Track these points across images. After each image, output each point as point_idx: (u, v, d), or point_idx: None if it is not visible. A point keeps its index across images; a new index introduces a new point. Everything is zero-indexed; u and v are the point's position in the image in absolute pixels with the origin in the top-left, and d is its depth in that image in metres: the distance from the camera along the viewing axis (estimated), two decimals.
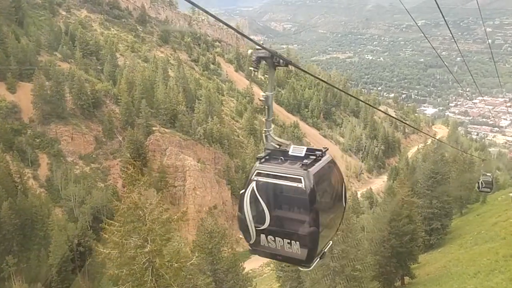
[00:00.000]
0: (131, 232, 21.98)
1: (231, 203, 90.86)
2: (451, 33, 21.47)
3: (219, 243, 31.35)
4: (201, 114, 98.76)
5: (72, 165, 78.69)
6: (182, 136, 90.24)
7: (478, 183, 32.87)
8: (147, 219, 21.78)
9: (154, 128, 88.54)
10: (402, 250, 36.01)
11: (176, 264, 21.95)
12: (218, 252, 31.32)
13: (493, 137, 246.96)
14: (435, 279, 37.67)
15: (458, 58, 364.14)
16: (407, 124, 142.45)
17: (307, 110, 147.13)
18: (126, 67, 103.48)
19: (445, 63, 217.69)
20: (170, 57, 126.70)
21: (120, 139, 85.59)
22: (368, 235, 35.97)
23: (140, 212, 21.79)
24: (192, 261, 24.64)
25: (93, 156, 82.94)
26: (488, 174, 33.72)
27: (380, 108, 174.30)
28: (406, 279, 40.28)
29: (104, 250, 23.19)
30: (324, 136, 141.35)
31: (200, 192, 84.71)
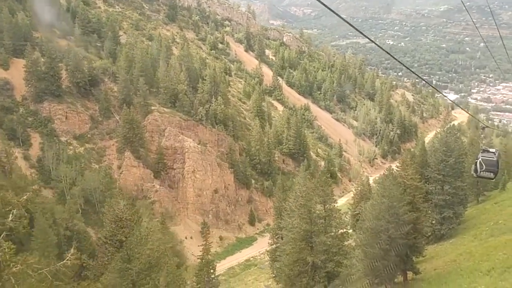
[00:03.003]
0: None
1: (233, 187, 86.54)
2: (471, 18, 16.72)
3: (130, 233, 23.74)
4: (205, 94, 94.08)
5: (66, 145, 75.07)
6: (183, 116, 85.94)
7: (475, 164, 20.79)
8: None
9: (153, 108, 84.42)
10: (403, 242, 30.97)
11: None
12: (135, 246, 23.32)
13: None
14: (443, 276, 32.86)
15: (481, 44, 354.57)
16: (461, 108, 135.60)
17: (319, 92, 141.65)
18: (128, 44, 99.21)
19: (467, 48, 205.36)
20: (176, 35, 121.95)
21: (117, 118, 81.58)
22: (363, 224, 30.93)
23: None
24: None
25: (88, 136, 79.29)
26: (491, 149, 21.37)
27: (398, 91, 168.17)
28: (410, 274, 35.32)
29: None
30: (337, 120, 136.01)
31: (200, 175, 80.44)
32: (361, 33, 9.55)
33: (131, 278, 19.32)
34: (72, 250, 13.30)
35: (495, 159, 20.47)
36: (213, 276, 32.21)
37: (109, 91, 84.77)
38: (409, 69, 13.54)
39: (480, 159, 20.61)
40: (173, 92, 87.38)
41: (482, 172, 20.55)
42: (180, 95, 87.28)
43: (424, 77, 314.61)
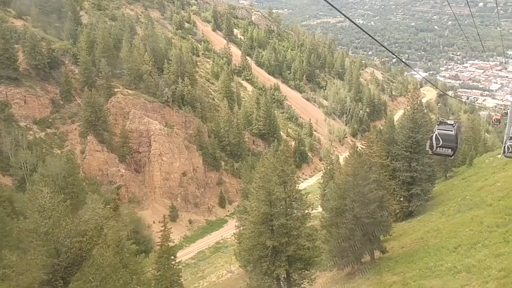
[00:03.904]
0: None
1: (202, 169, 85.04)
2: None
3: (58, 225, 20.64)
4: (171, 75, 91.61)
5: (25, 130, 71.88)
6: (148, 98, 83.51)
7: (431, 139, 17.65)
8: None
9: (116, 90, 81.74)
10: (369, 221, 30.12)
11: None
12: (64, 238, 20.83)
13: (483, 101, 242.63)
14: (410, 254, 32.25)
15: (449, 22, 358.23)
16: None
17: (289, 72, 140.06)
18: (89, 25, 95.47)
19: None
20: (140, 15, 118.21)
21: (79, 102, 78.65)
22: (328, 204, 29.93)
23: None
24: None
25: (49, 120, 76.16)
26: (449, 121, 18.04)
27: (367, 69, 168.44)
28: (377, 253, 34.64)
29: None
30: (307, 99, 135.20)
31: (167, 158, 78.59)
32: (338, 10, 8.94)
33: (59, 275, 17.80)
34: None
35: (453, 132, 17.21)
36: (173, 263, 30.95)
37: (70, 74, 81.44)
38: (388, 50, 12.27)
39: (436, 132, 17.35)
40: (137, 73, 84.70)
41: (438, 148, 17.37)
42: (144, 76, 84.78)
43: (394, 56, 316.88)
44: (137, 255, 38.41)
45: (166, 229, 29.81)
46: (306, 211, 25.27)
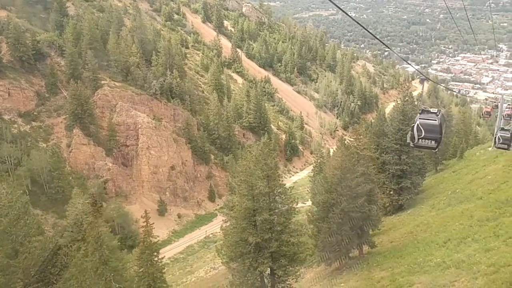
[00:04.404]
0: None
1: (192, 163, 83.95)
2: None
3: (16, 224, 19.24)
4: (159, 67, 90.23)
5: (9, 124, 70.29)
6: (135, 90, 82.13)
7: (412, 130, 15.39)
8: None
9: (103, 82, 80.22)
10: (357, 215, 29.36)
11: None
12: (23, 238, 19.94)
13: (474, 94, 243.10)
14: (399, 249, 31.72)
15: (441, 15, 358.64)
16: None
17: (280, 64, 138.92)
18: (76, 16, 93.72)
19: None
20: (128, 6, 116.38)
21: (65, 94, 77.13)
22: (315, 198, 29.08)
23: None
24: None
25: (34, 113, 74.57)
26: (432, 110, 15.67)
27: (359, 62, 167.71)
28: (365, 248, 33.96)
29: None
30: (298, 92, 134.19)
31: (155, 152, 77.43)
32: (331, 1, 8.60)
33: (17, 277, 16.78)
34: None
35: (437, 122, 14.96)
36: (156, 259, 29.95)
37: (55, 66, 79.84)
38: (382, 42, 11.39)
39: (417, 122, 15.16)
40: (125, 65, 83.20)
41: (420, 140, 15.07)
42: (132, 68, 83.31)
43: (386, 50, 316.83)
44: (124, 250, 37.50)
45: (148, 224, 28.74)
46: (291, 206, 24.36)
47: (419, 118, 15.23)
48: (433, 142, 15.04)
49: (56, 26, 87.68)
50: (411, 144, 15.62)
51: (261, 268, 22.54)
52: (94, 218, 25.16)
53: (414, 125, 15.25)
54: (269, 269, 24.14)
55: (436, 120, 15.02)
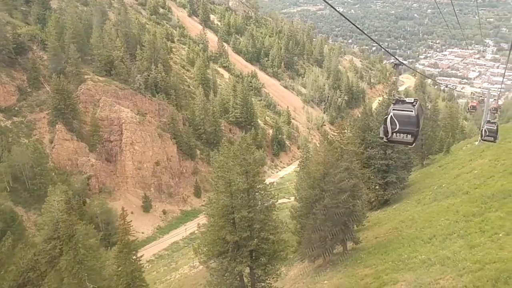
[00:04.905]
0: None
1: (177, 159, 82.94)
2: None
3: None
4: (144, 61, 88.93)
5: None
6: (119, 85, 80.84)
7: (385, 122, 12.68)
8: None
9: (86, 77, 78.85)
10: (341, 211, 28.70)
11: None
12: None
13: (461, 89, 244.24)
14: (383, 245, 31.17)
15: (429, 10, 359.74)
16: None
17: (267, 59, 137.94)
18: (59, 9, 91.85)
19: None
20: (113, 0, 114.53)
21: (48, 89, 75.65)
22: (298, 194, 28.36)
23: None
24: None
25: (16, 108, 73.17)
26: (408, 99, 12.89)
27: (346, 57, 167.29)
28: (350, 244, 33.36)
29: None
30: (285, 87, 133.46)
31: (140, 147, 76.34)
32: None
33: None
34: None
35: (413, 113, 12.58)
36: (134, 258, 29.18)
37: (38, 60, 78.51)
38: (371, 38, 10.65)
39: (391, 114, 12.65)
40: (108, 59, 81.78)
41: (394, 134, 12.67)
42: (116, 63, 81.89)
43: (374, 45, 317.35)
44: (108, 248, 36.58)
45: (125, 222, 27.96)
46: (272, 202, 23.59)
47: (393, 109, 12.72)
48: (409, 136, 12.63)
49: (38, 19, 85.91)
50: (384, 139, 13.00)
51: (239, 267, 21.73)
52: (68, 216, 24.20)
53: (387, 117, 12.69)
54: (248, 268, 23.39)
55: (412, 111, 12.58)
